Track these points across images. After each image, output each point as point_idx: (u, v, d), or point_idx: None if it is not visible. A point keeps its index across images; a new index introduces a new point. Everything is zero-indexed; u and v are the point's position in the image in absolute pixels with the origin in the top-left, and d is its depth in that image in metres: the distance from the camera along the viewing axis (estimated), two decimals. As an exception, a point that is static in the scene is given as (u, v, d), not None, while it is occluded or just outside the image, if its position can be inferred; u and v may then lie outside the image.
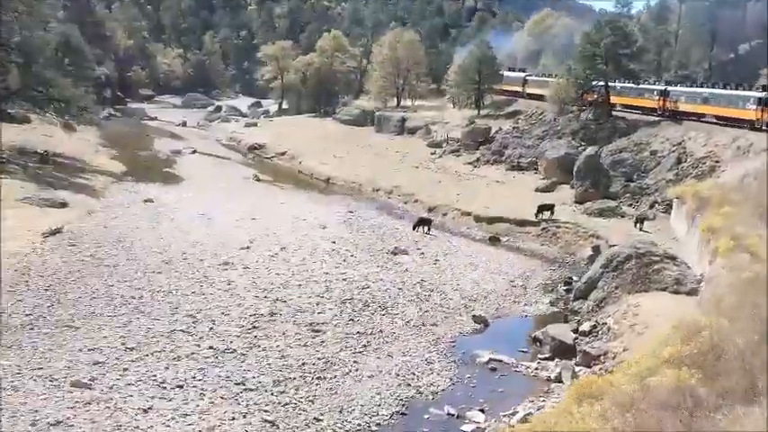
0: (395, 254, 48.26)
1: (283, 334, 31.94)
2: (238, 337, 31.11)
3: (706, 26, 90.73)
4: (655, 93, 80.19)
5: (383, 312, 36.39)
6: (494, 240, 56.81)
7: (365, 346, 31.86)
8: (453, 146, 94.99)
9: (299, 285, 39.08)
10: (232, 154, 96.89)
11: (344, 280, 40.88)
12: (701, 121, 70.68)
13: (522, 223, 58.83)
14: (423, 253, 49.16)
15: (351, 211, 61.66)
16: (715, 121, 68.88)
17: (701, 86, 76.17)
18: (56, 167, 62.61)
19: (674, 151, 68.49)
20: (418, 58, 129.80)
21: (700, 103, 72.68)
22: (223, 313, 33.73)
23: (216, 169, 79.74)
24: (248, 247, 45.83)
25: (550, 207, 59.97)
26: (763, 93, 63.22)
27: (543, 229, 58.26)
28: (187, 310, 33.50)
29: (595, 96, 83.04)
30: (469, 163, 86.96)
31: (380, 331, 33.82)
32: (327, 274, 41.77)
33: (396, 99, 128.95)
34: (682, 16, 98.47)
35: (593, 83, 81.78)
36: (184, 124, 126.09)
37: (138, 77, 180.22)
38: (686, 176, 63.35)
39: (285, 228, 52.47)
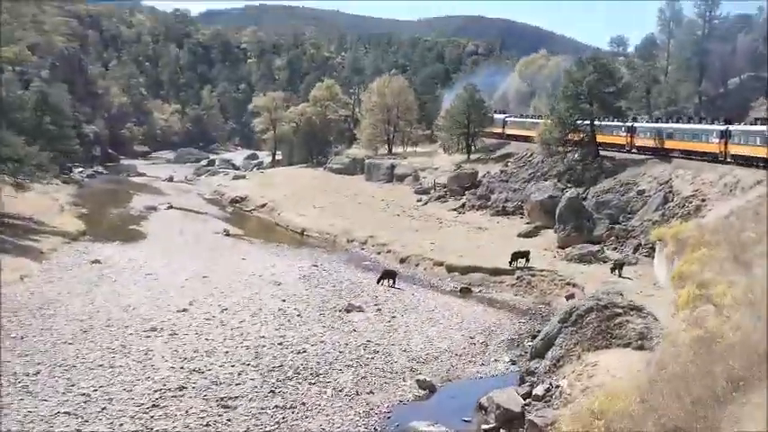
0: (348, 311, 44.55)
1: (186, 412, 28.15)
2: (132, 417, 27.36)
3: (694, 61, 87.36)
4: (623, 129, 78.57)
5: (313, 380, 32.57)
6: (465, 292, 52.98)
7: (279, 422, 28.03)
8: (440, 192, 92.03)
9: (227, 352, 35.37)
10: (211, 208, 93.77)
11: (281, 344, 37.16)
12: (671, 157, 69.59)
13: (497, 272, 55.08)
14: (380, 309, 45.43)
15: (315, 265, 58.04)
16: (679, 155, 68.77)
17: (677, 122, 73.81)
18: (6, 228, 59.34)
19: (660, 190, 65.00)
20: (409, 103, 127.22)
21: (665, 138, 71.74)
22: (125, 389, 30.00)
23: (187, 225, 76.52)
24: (185, 310, 42.28)
25: (525, 254, 56.24)
26: (724, 126, 62.97)
27: (518, 277, 54.47)
28: (83, 388, 29.79)
29: (581, 136, 79.48)
30: (454, 209, 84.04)
31: (303, 404, 29.98)
32: (263, 337, 38.07)
33: (387, 146, 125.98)
34: (670, 52, 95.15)
35: (578, 122, 78.28)
36: (171, 179, 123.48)
37: (133, 134, 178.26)
38: (672, 217, 59.94)
39: (236, 286, 48.95)
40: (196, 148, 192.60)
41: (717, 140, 62.78)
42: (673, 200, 62.78)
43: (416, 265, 59.69)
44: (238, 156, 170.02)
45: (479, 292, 52.86)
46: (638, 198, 66.85)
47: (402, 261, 61.27)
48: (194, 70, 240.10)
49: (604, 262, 56.56)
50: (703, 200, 59.28)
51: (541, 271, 54.21)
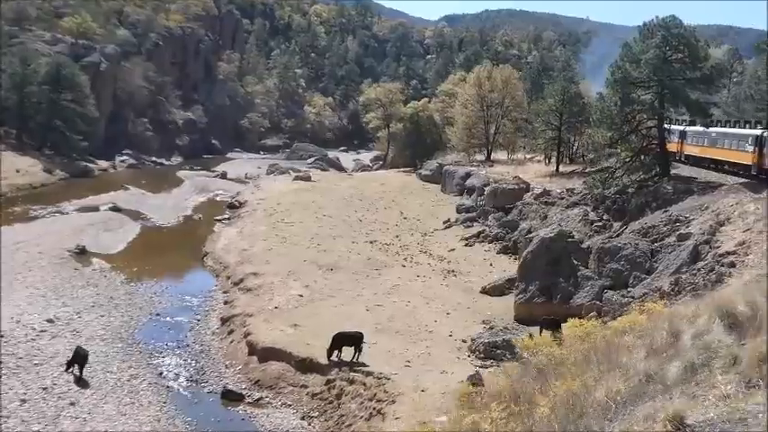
0: None
1: None
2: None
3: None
4: (676, 134, 56.35)
5: None
6: (230, 397, 30.09)
7: None
8: (475, 213, 67.92)
9: None
10: (179, 213, 74.79)
11: None
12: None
13: (308, 367, 31.49)
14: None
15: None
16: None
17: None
18: None
19: (700, 236, 38.13)
20: (518, 99, 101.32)
21: (706, 144, 51.66)
22: None
23: (58, 237, 56.57)
24: None
25: (356, 340, 31.96)
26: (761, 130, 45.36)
27: (328, 382, 30.47)
28: None
29: (643, 142, 52.63)
30: (466, 238, 59.80)
31: None
32: None
33: (486, 150, 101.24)
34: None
35: (633, 117, 51.68)
36: (224, 176, 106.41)
37: (254, 125, 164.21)
38: (686, 288, 33.33)
39: None
40: (346, 146, 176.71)
41: (751, 148, 45.27)
42: (705, 257, 35.88)
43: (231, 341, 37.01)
44: (353, 156, 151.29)
45: (256, 400, 29.77)
46: (673, 246, 40.11)
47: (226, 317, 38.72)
48: (360, 64, 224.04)
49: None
50: (743, 259, 32.76)
51: (376, 375, 29.91)
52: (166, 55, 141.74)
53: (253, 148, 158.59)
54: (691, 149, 54.81)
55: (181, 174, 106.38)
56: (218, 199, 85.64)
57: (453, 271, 49.30)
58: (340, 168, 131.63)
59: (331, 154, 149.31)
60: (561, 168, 79.57)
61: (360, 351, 30.80)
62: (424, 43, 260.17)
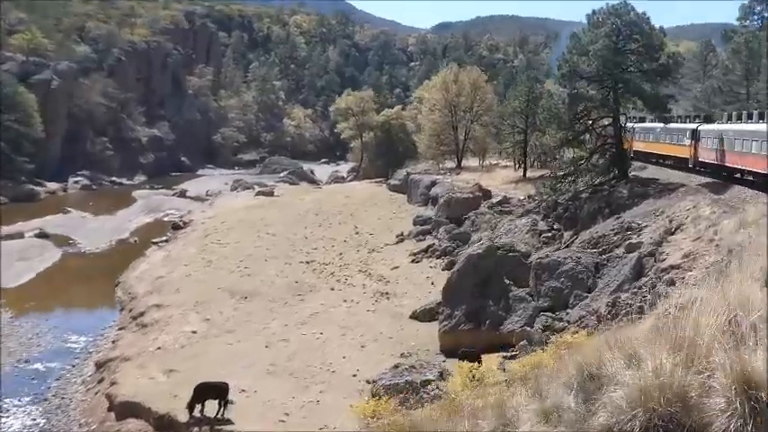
0: None
1: None
2: None
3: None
4: (686, 135, 48.95)
5: None
6: None
7: None
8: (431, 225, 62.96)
9: None
10: (117, 234, 69.73)
11: None
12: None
13: (167, 425, 26.25)
14: None
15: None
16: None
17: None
18: None
19: (650, 247, 33.22)
20: (488, 102, 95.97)
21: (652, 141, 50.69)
22: None
23: None
24: None
25: (219, 390, 26.75)
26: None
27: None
28: None
29: (598, 142, 47.71)
30: (414, 254, 54.90)
31: None
32: None
33: (456, 157, 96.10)
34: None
35: (581, 116, 46.78)
36: (183, 194, 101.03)
37: (227, 140, 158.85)
38: (623, 311, 28.22)
39: None
40: (328, 158, 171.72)
41: (688, 142, 44.20)
42: (649, 271, 30.87)
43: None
44: (333, 168, 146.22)
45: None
46: (620, 259, 35.10)
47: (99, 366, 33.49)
48: (341, 74, 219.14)
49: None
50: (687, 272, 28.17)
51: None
52: (130, 70, 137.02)
53: (227, 163, 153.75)
54: (638, 146, 51.23)
55: (137, 193, 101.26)
56: (165, 219, 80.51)
57: (388, 293, 44.24)
58: (312, 181, 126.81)
59: (311, 166, 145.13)
60: (530, 173, 74.72)
61: (225, 405, 25.59)
62: (407, 51, 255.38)
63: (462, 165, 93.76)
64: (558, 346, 23.12)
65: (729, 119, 41.97)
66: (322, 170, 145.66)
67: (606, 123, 48.05)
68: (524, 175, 74.56)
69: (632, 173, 49.01)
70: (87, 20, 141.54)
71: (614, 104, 46.93)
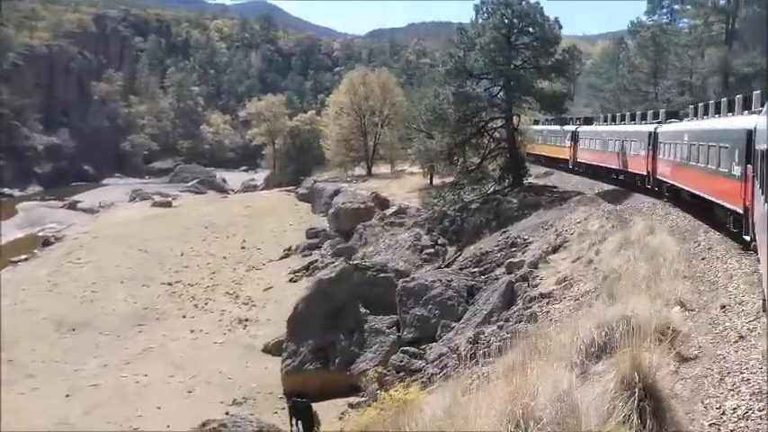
0: None
1: None
2: None
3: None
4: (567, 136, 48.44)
5: None
6: None
7: None
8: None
9: None
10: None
11: None
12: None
13: None
14: None
15: None
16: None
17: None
18: None
19: (517, 273, 28.18)
20: (398, 105, 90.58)
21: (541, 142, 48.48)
22: None
23: None
24: None
25: None
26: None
27: None
28: None
29: (490, 144, 42.79)
30: (295, 271, 49.54)
31: None
32: None
33: (366, 164, 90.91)
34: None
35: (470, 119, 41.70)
36: (73, 206, 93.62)
37: (135, 148, 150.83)
38: (481, 351, 22.78)
39: None
40: (248, 165, 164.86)
41: (569, 143, 43.53)
42: (520, 298, 25.78)
43: None
44: (251, 176, 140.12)
45: None
46: (494, 283, 30.01)
47: None
48: (263, 79, 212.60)
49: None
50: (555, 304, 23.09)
51: None
52: (28, 75, 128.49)
53: (137, 172, 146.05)
54: (531, 148, 47.47)
55: (21, 206, 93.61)
56: (40, 234, 73.27)
57: (247, 320, 38.76)
58: (222, 190, 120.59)
59: (228, 174, 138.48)
60: (437, 180, 69.73)
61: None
62: (333, 56, 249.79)
63: (373, 172, 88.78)
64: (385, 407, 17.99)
65: (605, 120, 40.69)
66: (238, 178, 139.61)
67: (499, 125, 43.18)
68: (431, 182, 69.58)
69: (533, 179, 44.61)
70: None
71: (506, 104, 42.05)
